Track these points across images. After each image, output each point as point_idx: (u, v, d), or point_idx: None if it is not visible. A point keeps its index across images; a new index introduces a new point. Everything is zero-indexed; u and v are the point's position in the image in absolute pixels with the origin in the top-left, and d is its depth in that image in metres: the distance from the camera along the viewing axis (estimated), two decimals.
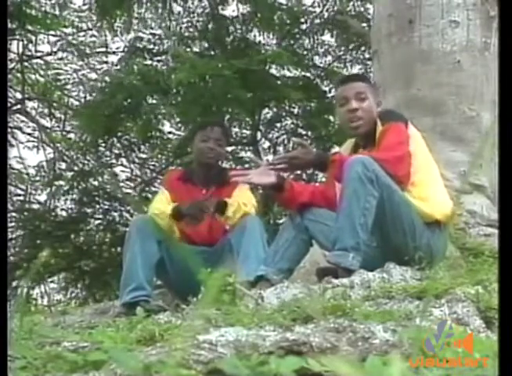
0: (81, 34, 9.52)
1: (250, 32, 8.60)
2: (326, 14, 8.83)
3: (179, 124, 8.71)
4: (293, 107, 8.53)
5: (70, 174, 8.95)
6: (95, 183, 8.70)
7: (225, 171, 3.74)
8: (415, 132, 3.05)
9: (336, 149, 6.48)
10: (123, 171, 9.27)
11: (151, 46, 8.62)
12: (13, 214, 8.52)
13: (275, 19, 8.39)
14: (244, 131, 8.97)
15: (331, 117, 7.79)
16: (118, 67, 8.72)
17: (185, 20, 8.82)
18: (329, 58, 9.04)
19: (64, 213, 8.82)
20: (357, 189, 2.71)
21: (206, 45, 8.58)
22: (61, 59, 9.59)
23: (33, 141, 9.43)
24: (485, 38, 4.39)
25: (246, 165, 8.05)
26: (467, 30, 4.39)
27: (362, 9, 8.75)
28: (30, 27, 8.15)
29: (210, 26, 8.58)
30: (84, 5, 9.05)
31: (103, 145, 8.62)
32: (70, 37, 9.38)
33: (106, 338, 1.62)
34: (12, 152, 9.13)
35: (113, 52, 9.42)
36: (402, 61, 4.46)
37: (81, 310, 3.95)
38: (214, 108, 7.24)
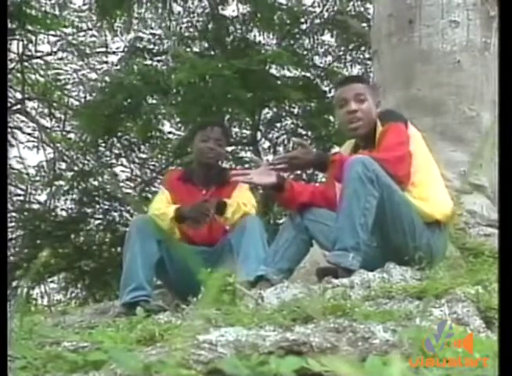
0: (81, 34, 9.53)
1: (250, 32, 8.60)
2: (326, 14, 8.83)
3: (179, 124, 8.72)
4: (293, 107, 8.53)
5: (70, 174, 8.95)
6: (95, 183, 8.70)
7: (225, 171, 3.74)
8: (415, 132, 3.05)
9: (336, 149, 6.49)
10: (123, 171, 9.29)
11: (151, 46, 8.62)
12: (13, 214, 8.52)
13: (275, 19, 8.39)
14: (244, 131, 8.97)
15: (331, 117, 7.78)
16: (118, 67, 8.72)
17: (185, 20, 8.83)
18: (329, 58, 9.05)
19: (64, 213, 8.83)
20: (357, 189, 2.71)
21: (206, 45, 8.58)
22: (61, 59, 9.60)
23: (33, 141, 9.45)
24: (485, 38, 4.39)
25: (246, 165, 8.05)
26: (467, 30, 4.39)
27: (362, 9, 8.76)
28: (30, 27, 8.15)
29: (210, 26, 8.58)
30: (84, 5, 9.07)
31: (103, 145, 8.62)
32: (70, 37, 9.39)
33: (106, 338, 1.62)
34: (12, 152, 9.15)
35: (113, 52, 9.43)
36: (402, 61, 4.46)
37: (81, 310, 3.95)
38: (214, 108, 7.24)
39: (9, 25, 7.38)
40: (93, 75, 9.46)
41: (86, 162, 8.89)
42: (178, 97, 7.48)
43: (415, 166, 2.91)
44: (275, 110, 8.65)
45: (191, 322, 1.87)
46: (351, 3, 8.83)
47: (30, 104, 9.68)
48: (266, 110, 8.68)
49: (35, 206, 9.14)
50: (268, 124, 8.82)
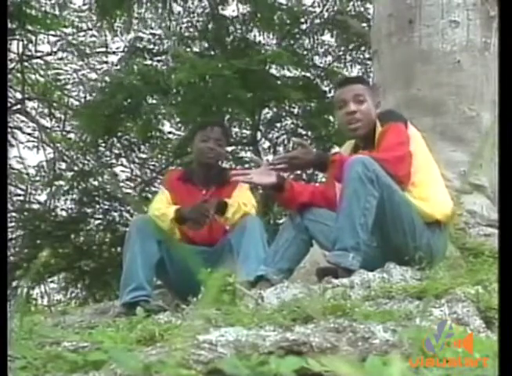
0: (81, 34, 9.53)
1: (250, 32, 8.60)
2: (326, 14, 8.83)
3: (179, 124, 8.72)
4: (293, 107, 8.53)
5: (70, 174, 8.95)
6: (95, 183, 8.70)
7: (225, 171, 3.74)
8: (415, 132, 3.05)
9: (336, 149, 6.49)
10: (123, 171, 9.29)
11: (151, 46, 8.62)
12: (13, 214, 8.52)
13: (275, 19, 8.39)
14: (244, 131, 8.97)
15: (331, 117, 7.78)
16: (118, 67, 8.72)
17: (185, 20, 8.83)
18: (329, 58, 9.05)
19: (64, 213, 8.83)
20: (357, 189, 2.71)
21: (206, 45, 8.58)
22: (61, 59, 9.60)
23: (33, 141, 9.46)
24: (485, 38, 4.39)
25: (246, 165, 8.05)
26: (467, 30, 4.39)
27: (362, 9, 8.75)
28: (30, 27, 8.15)
29: (210, 26, 8.58)
30: (84, 5, 9.07)
31: (103, 145, 8.62)
32: (70, 37, 9.39)
33: (106, 338, 1.62)
34: (12, 152, 9.15)
35: (113, 52, 9.43)
36: (402, 61, 4.46)
37: (81, 310, 3.95)
38: (214, 108, 7.24)
39: (9, 25, 7.38)
40: (93, 75, 9.47)
41: (86, 162, 8.89)
42: (178, 97, 7.48)
43: (415, 166, 2.91)
44: (275, 110, 8.65)
45: (191, 322, 1.86)
46: (351, 3, 8.83)
47: (30, 104, 9.69)
48: (266, 110, 8.68)
49: (35, 206, 9.15)
50: (268, 124, 8.82)
